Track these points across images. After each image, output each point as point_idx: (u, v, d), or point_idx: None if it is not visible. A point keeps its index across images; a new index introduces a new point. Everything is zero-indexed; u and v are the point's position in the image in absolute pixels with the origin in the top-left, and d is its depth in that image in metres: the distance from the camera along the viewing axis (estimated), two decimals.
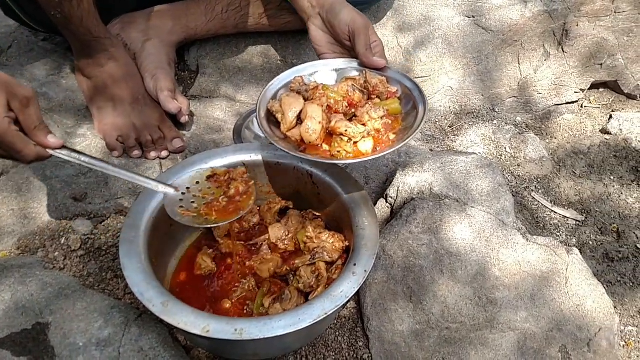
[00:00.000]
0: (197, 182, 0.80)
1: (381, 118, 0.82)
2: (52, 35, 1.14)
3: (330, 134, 0.82)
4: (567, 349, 0.85)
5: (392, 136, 0.82)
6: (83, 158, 0.70)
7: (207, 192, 0.79)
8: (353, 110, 0.84)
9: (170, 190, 0.77)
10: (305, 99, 0.85)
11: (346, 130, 0.79)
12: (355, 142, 0.80)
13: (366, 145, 0.80)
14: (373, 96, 0.89)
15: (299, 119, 0.82)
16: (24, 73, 1.10)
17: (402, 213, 0.93)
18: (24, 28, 1.17)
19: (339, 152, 0.79)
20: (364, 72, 0.91)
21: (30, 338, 0.71)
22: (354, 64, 0.94)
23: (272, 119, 0.85)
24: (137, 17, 1.13)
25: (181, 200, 0.77)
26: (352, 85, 0.87)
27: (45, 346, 0.70)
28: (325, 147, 0.81)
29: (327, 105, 0.84)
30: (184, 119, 1.05)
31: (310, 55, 1.23)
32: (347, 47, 0.96)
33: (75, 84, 1.09)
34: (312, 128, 0.80)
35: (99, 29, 0.97)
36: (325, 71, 0.94)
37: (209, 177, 0.81)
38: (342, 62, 0.95)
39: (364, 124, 0.81)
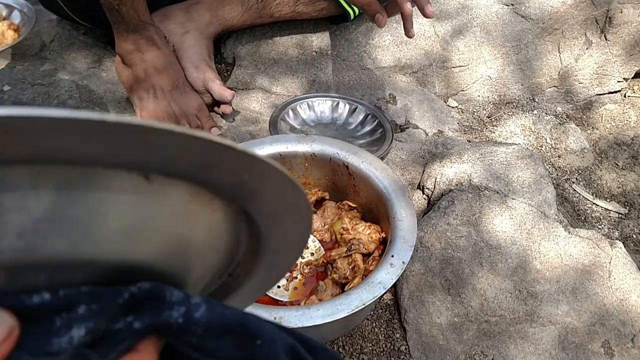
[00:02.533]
0: None
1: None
2: (93, 29, 1.17)
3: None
4: (610, 344, 0.83)
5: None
6: None
7: None
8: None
9: None
10: None
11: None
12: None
13: None
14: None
15: None
16: (66, 66, 1.13)
17: (439, 204, 0.92)
18: (65, 22, 1.20)
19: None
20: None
21: None
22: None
23: None
24: (176, 10, 1.14)
25: None
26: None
27: None
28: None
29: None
30: (228, 108, 1.06)
31: (345, 46, 1.22)
32: None
33: (116, 77, 1.10)
34: None
35: (146, 15, 0.98)
36: None
37: None
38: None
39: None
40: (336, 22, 1.24)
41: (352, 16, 1.18)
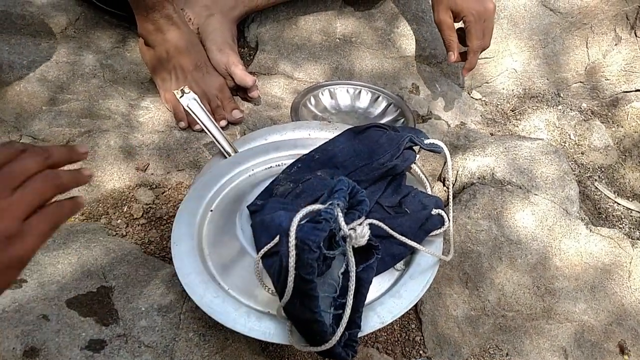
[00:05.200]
0: None
1: None
2: (115, 12, 1.17)
3: None
4: (627, 344, 0.83)
5: None
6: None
7: None
8: None
9: None
10: None
11: None
12: None
13: None
14: None
15: None
16: (90, 45, 1.13)
17: (461, 197, 0.92)
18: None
19: None
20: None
21: (95, 300, 0.74)
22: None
23: None
24: None
25: None
26: None
27: (110, 309, 0.73)
28: None
29: None
30: (256, 93, 1.06)
31: (369, 34, 1.21)
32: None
33: (139, 58, 1.11)
34: None
35: None
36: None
37: None
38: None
39: None
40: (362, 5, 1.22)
41: None
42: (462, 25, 1.05)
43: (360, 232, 0.58)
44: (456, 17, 1.05)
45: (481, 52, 1.06)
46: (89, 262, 0.79)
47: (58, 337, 0.67)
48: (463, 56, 1.07)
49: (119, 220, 0.91)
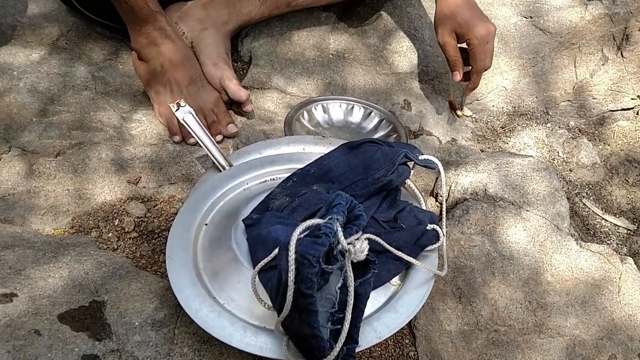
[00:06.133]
0: None
1: None
2: (108, 24, 1.16)
3: None
4: (617, 358, 0.84)
5: None
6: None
7: None
8: None
9: None
10: None
11: None
12: None
13: None
14: None
15: None
16: (82, 56, 1.13)
17: (454, 213, 0.92)
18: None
19: None
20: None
21: (87, 315, 0.73)
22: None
23: None
24: (194, 7, 1.14)
25: None
26: None
27: (102, 324, 0.72)
28: None
29: None
30: (250, 107, 1.06)
31: (362, 50, 1.22)
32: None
33: (132, 70, 1.10)
34: None
35: (154, 3, 0.97)
36: None
37: None
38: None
39: None
40: (355, 23, 1.24)
41: None
42: (464, 45, 1.08)
43: (359, 247, 0.59)
44: (460, 39, 1.08)
45: (483, 72, 1.09)
46: (80, 276, 0.78)
47: (50, 353, 0.66)
48: (465, 76, 1.10)
49: (110, 234, 0.90)
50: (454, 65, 1.09)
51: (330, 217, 0.59)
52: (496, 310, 0.84)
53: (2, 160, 0.95)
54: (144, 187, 0.96)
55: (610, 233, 1.09)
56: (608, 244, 1.07)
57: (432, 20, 1.26)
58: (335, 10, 1.27)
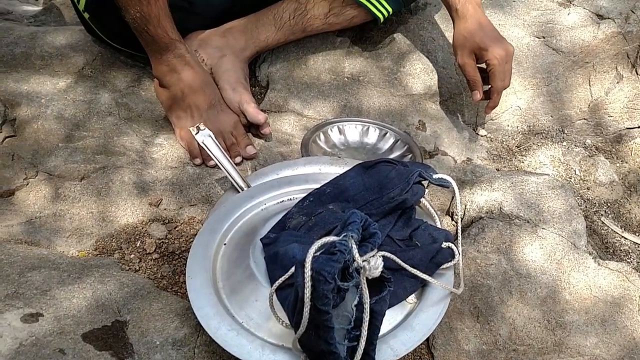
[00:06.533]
0: None
1: None
2: (133, 53, 1.21)
3: None
4: None
5: None
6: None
7: None
8: None
9: None
10: None
11: None
12: None
13: None
14: None
15: None
16: (106, 84, 1.17)
17: (469, 231, 0.93)
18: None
19: None
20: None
21: (110, 334, 0.74)
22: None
23: None
24: (212, 35, 1.18)
25: None
26: None
27: (125, 343, 0.74)
28: None
29: None
30: (267, 129, 1.09)
31: (377, 72, 1.25)
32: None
33: (154, 96, 1.14)
34: None
35: (174, 32, 1.02)
36: None
37: None
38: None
39: None
40: (369, 47, 1.26)
41: (382, 20, 1.20)
42: (483, 66, 1.10)
43: (373, 263, 0.60)
44: (479, 60, 1.10)
45: (502, 91, 1.11)
46: (104, 296, 0.80)
47: None
48: (484, 94, 1.12)
49: (132, 255, 0.92)
50: (474, 84, 1.11)
51: (345, 234, 0.60)
52: (514, 330, 0.84)
53: (30, 185, 0.99)
54: (165, 209, 0.98)
55: (630, 251, 1.09)
56: (628, 262, 1.06)
57: (444, 42, 1.28)
58: (350, 35, 1.29)
